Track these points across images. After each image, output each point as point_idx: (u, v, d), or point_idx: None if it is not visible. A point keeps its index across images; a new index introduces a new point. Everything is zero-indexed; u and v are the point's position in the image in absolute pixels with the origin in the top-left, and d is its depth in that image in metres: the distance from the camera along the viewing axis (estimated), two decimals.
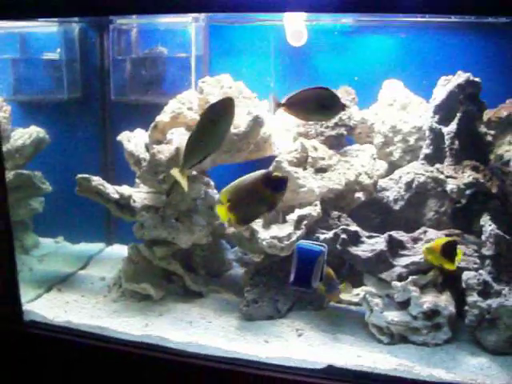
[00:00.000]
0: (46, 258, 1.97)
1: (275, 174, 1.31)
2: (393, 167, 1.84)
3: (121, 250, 2.08)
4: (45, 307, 1.72)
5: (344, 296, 1.70)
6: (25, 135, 1.82)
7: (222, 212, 1.30)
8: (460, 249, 1.52)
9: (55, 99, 2.00)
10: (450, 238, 1.54)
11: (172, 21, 1.96)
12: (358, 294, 1.67)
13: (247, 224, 1.47)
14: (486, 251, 1.54)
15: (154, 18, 1.97)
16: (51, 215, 1.99)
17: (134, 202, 1.79)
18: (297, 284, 1.38)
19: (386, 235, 1.57)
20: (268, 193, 1.29)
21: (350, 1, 1.38)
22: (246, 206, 1.30)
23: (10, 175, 1.83)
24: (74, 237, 2.12)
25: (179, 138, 1.71)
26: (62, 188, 1.95)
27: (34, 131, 1.86)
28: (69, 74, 1.97)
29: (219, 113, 1.33)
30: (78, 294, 1.81)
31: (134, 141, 1.79)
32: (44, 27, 1.89)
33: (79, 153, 2.07)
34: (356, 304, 1.68)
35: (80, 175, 1.78)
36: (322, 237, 1.57)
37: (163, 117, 1.75)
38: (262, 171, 1.30)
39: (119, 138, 1.82)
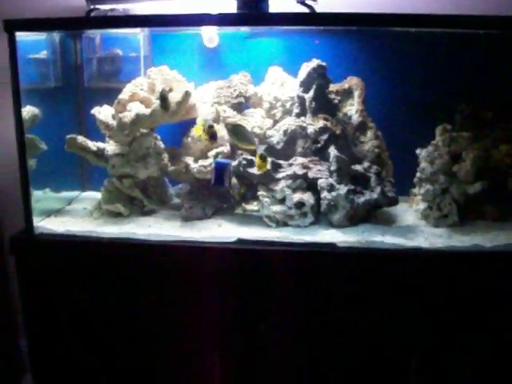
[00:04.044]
0: (39, 202, 2.31)
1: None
2: (276, 123, 2.37)
3: (93, 194, 2.59)
4: (47, 225, 2.22)
5: (248, 207, 2.29)
6: (24, 112, 2.20)
7: (198, 131, 2.13)
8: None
9: (44, 87, 2.42)
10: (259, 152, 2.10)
11: (125, 31, 2.48)
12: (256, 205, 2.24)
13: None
14: (332, 167, 2.15)
15: (112, 30, 2.44)
16: (39, 173, 2.32)
17: (107, 152, 2.29)
18: (215, 184, 2.08)
19: (270, 160, 2.15)
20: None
21: (237, 18, 2.00)
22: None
23: None
24: (56, 188, 2.51)
25: (136, 108, 2.25)
26: (48, 151, 2.37)
27: (30, 110, 2.27)
28: (53, 69, 2.43)
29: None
30: (69, 217, 2.33)
31: (103, 113, 2.29)
32: (34, 36, 2.29)
33: (62, 124, 2.51)
34: (256, 211, 2.26)
35: (69, 135, 2.31)
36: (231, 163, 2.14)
37: (123, 95, 2.28)
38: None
39: (92, 111, 2.30)
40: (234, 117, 2.36)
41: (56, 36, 2.47)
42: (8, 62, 2.08)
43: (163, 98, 2.18)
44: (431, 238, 2.10)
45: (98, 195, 2.47)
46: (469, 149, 2.18)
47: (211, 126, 2.16)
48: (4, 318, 2.96)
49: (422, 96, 2.43)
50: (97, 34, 2.53)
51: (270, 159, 2.16)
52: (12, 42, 2.05)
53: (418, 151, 2.25)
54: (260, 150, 2.11)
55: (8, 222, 2.87)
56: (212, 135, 2.16)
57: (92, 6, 2.31)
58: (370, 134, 2.32)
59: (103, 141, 2.41)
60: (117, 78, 2.53)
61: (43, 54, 2.44)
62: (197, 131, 2.18)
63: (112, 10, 2.37)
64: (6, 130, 2.57)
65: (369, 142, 2.32)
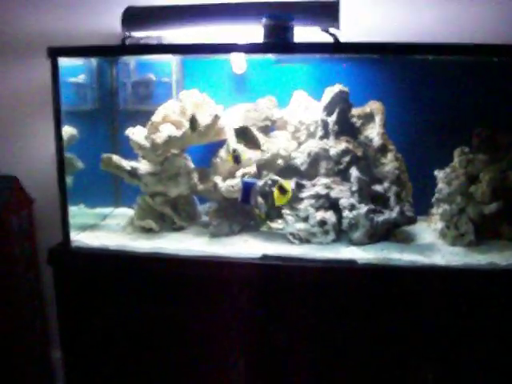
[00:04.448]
0: (75, 218, 2.40)
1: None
2: (300, 145, 2.46)
3: (126, 211, 2.72)
4: (82, 238, 2.35)
5: (273, 224, 2.40)
6: (62, 132, 2.28)
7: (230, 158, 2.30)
8: (287, 184, 2.21)
9: (82, 109, 2.55)
10: (279, 182, 2.23)
11: (158, 57, 2.64)
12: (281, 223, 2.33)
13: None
14: (353, 187, 2.24)
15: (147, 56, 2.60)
16: (75, 189, 2.42)
17: (140, 171, 2.42)
18: (242, 202, 2.21)
19: (294, 180, 2.28)
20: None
21: (266, 47, 2.12)
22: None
23: None
24: (91, 204, 2.64)
25: (168, 130, 2.38)
26: (83, 169, 2.45)
27: (68, 130, 2.37)
28: (90, 93, 2.57)
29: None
30: (104, 232, 2.46)
31: (136, 134, 2.41)
32: (74, 61, 2.41)
33: (97, 144, 2.65)
34: (281, 229, 2.34)
35: (105, 154, 2.46)
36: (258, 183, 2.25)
37: (156, 118, 2.40)
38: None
39: (126, 132, 2.42)
40: (261, 139, 2.47)
41: (93, 61, 2.63)
42: (49, 85, 2.24)
43: (192, 120, 2.31)
44: (448, 255, 2.18)
45: (130, 212, 2.63)
46: (485, 170, 2.27)
47: (234, 150, 2.31)
48: (39, 328, 3.09)
49: (441, 120, 2.53)
50: (131, 60, 2.69)
51: (291, 190, 2.28)
52: (54, 67, 2.21)
53: (436, 172, 2.34)
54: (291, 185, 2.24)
55: (42, 233, 3.03)
56: (235, 158, 2.30)
57: (127, 34, 2.44)
58: (390, 156, 2.41)
59: (136, 160, 2.56)
60: (149, 101, 2.66)
61: (81, 78, 2.59)
62: (229, 158, 2.34)
63: (146, 37, 2.50)
64: (45, 148, 2.77)
65: (389, 163, 2.41)
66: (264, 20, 2.08)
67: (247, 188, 2.21)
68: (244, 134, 2.31)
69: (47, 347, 3.14)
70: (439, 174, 2.33)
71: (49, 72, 2.20)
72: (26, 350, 2.92)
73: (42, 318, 3.10)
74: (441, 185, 2.32)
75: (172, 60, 2.60)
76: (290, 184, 2.23)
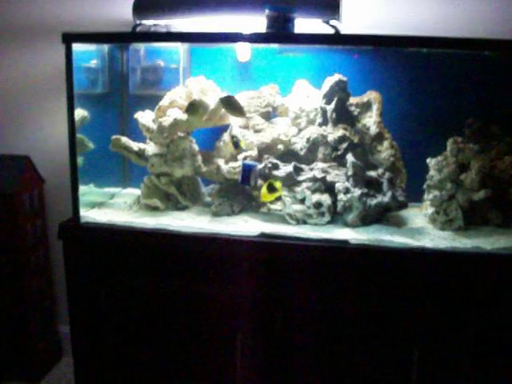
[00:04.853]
0: (84, 196, 2.50)
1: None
2: (300, 131, 2.55)
3: (133, 191, 2.83)
4: (91, 215, 2.44)
5: (272, 206, 2.53)
6: (74, 115, 2.37)
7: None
8: (278, 183, 2.31)
9: (93, 93, 2.64)
10: (270, 180, 2.32)
11: (167, 45, 2.74)
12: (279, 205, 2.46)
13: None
14: (348, 172, 2.32)
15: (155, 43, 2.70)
16: (85, 170, 2.51)
17: (148, 152, 2.53)
18: (242, 183, 2.33)
19: (293, 164, 2.35)
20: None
21: (269, 37, 2.22)
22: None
23: None
24: (100, 184, 2.74)
25: (174, 114, 2.48)
26: (93, 150, 2.57)
27: (80, 112, 2.45)
28: (102, 77, 2.66)
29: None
30: (111, 209, 2.54)
31: (145, 117, 2.52)
32: (87, 46, 2.53)
33: (107, 126, 2.76)
34: (279, 210, 2.47)
35: (114, 136, 2.58)
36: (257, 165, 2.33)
37: (164, 102, 2.48)
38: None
39: (135, 115, 2.53)
40: (263, 124, 2.62)
41: (105, 47, 2.76)
42: (60, 69, 2.37)
43: (190, 104, 2.46)
44: (436, 239, 2.30)
45: (137, 192, 2.74)
46: (475, 159, 2.38)
47: (233, 136, 2.45)
48: (47, 303, 3.23)
49: (436, 110, 2.64)
50: (141, 47, 2.80)
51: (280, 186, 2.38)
52: (68, 52, 2.32)
53: (428, 160, 2.45)
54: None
55: (52, 212, 3.19)
56: (235, 144, 2.45)
57: (138, 21, 2.56)
58: (386, 143, 2.54)
59: (144, 142, 2.68)
60: (158, 87, 2.75)
61: (93, 63, 2.71)
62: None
63: (155, 25, 2.62)
64: (56, 129, 2.90)
65: (385, 151, 2.53)
66: (267, 11, 2.18)
67: (247, 170, 2.33)
68: (229, 103, 2.40)
69: (55, 322, 3.31)
70: (431, 161, 2.44)
71: (60, 56, 2.30)
72: (34, 325, 3.08)
73: (50, 294, 3.25)
74: (432, 172, 2.43)
75: (180, 47, 2.69)
76: (280, 184, 2.32)
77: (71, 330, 2.57)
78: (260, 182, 2.45)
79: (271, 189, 2.30)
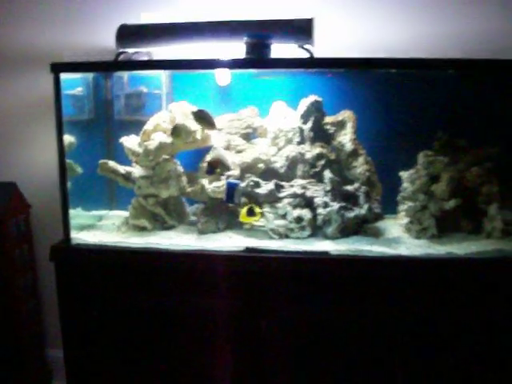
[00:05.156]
0: (73, 219, 2.54)
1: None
2: (279, 150, 2.65)
3: (120, 213, 2.85)
4: (82, 236, 2.51)
5: (255, 222, 2.60)
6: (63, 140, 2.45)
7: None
8: (258, 209, 2.44)
9: (79, 119, 2.71)
10: (252, 205, 2.44)
11: (150, 71, 2.79)
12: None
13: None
14: (327, 188, 2.44)
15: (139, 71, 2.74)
16: (72, 193, 2.55)
17: (134, 174, 2.61)
18: (227, 200, 2.44)
19: (273, 181, 2.46)
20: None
21: (248, 62, 2.33)
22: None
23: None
24: (87, 207, 2.79)
25: (159, 137, 2.59)
26: (80, 175, 2.61)
27: (67, 138, 2.51)
28: (87, 104, 2.74)
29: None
30: (100, 231, 2.61)
31: (130, 141, 2.62)
32: (72, 75, 2.56)
33: (93, 151, 2.82)
34: (262, 226, 2.51)
35: (101, 160, 2.65)
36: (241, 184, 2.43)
37: (148, 127, 2.58)
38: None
39: (121, 140, 2.62)
40: (244, 145, 2.74)
41: (90, 75, 2.84)
42: (47, 96, 2.50)
43: (174, 128, 2.58)
44: (412, 247, 2.43)
45: (124, 213, 2.82)
46: (445, 171, 2.53)
47: (209, 163, 2.57)
48: (35, 327, 3.27)
49: (406, 126, 2.75)
50: (125, 74, 2.90)
51: (260, 212, 2.50)
52: (57, 81, 2.42)
53: (401, 173, 2.59)
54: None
55: (38, 236, 3.24)
56: (209, 170, 2.56)
57: (121, 50, 2.66)
58: (361, 159, 2.67)
59: (129, 165, 2.76)
60: (142, 112, 2.83)
61: (78, 91, 2.79)
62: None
63: (137, 52, 2.72)
64: (42, 155, 2.98)
65: (360, 166, 2.66)
66: (245, 38, 2.32)
67: (231, 188, 2.45)
68: (200, 117, 2.51)
69: (43, 346, 3.34)
70: (404, 174, 2.58)
71: (45, 82, 2.42)
72: (22, 349, 3.11)
73: (39, 317, 3.28)
74: (405, 184, 2.57)
75: (162, 73, 2.77)
76: (259, 210, 2.44)
77: (64, 350, 2.62)
78: (244, 199, 2.55)
79: (251, 212, 2.43)
